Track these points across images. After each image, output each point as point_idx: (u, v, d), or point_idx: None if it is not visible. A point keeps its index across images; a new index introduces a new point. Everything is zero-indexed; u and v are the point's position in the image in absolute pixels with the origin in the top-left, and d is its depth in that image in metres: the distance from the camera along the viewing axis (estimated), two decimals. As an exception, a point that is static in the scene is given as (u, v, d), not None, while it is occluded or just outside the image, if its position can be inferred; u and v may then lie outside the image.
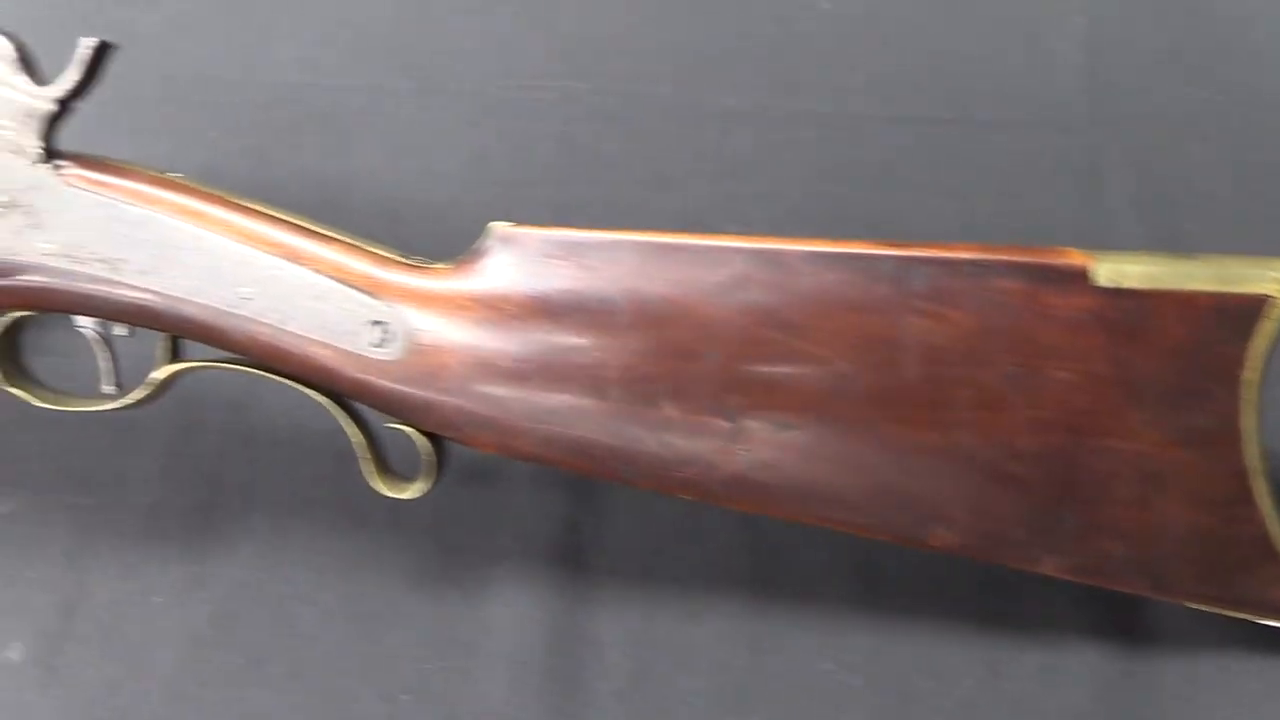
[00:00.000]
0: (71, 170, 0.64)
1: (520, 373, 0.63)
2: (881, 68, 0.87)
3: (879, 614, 0.71)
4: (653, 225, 0.84)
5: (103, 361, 0.69)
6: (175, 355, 0.68)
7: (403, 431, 0.66)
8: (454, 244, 0.73)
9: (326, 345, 0.64)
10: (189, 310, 0.64)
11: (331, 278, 0.63)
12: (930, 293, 0.62)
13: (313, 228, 0.65)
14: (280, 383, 0.66)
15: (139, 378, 0.68)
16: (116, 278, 0.64)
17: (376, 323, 0.63)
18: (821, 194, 0.84)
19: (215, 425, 0.79)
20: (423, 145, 0.86)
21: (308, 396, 0.66)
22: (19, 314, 0.67)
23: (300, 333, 0.64)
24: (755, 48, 0.87)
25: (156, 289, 0.64)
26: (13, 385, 0.69)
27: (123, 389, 0.69)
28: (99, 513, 0.76)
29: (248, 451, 0.78)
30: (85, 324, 0.68)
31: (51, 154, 0.64)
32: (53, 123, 0.64)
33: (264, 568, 0.74)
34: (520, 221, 0.64)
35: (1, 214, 0.64)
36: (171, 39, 0.91)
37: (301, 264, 0.63)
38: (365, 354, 0.64)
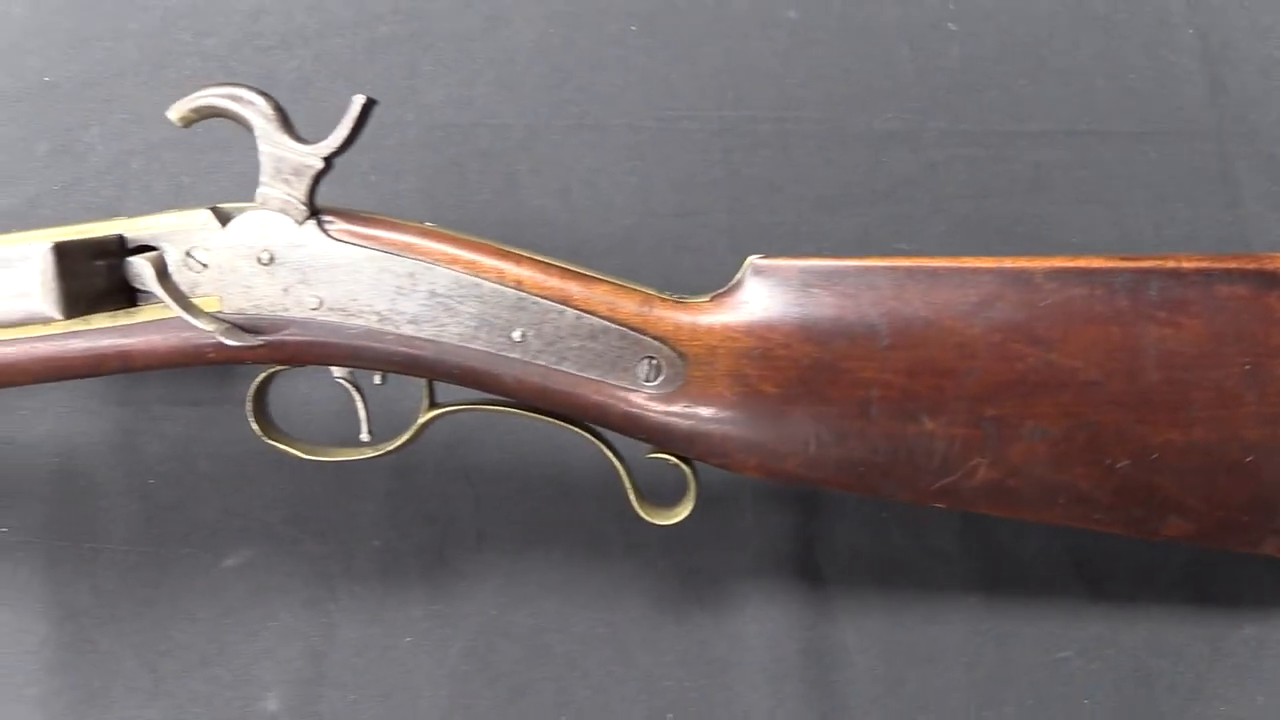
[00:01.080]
0: (338, 225, 0.65)
1: (787, 398, 0.66)
2: (1014, 84, 0.91)
3: (1103, 601, 0.75)
4: (825, 247, 0.88)
5: (360, 410, 0.70)
6: (433, 399, 0.70)
7: (665, 460, 0.68)
8: (644, 277, 0.75)
9: (599, 383, 0.66)
10: (460, 357, 0.66)
11: (603, 317, 0.66)
12: (1163, 302, 0.67)
13: (578, 269, 0.67)
14: (542, 421, 0.68)
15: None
16: (387, 329, 0.65)
17: (648, 358, 0.66)
18: (980, 208, 0.88)
19: (431, 465, 0.80)
20: (588, 181, 0.88)
21: (566, 431, 0.68)
22: (276, 368, 0.68)
23: (574, 372, 0.66)
24: (894, 71, 0.91)
25: (428, 337, 0.65)
26: (271, 439, 0.70)
27: (375, 435, 0.71)
28: (332, 560, 0.77)
29: (470, 489, 0.79)
30: (340, 374, 0.69)
31: (315, 210, 0.65)
32: (318, 180, 0.65)
33: (509, 602, 0.75)
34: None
35: (269, 271, 0.65)
36: (316, 84, 0.91)
37: (574, 305, 0.66)
38: (638, 389, 0.66)
